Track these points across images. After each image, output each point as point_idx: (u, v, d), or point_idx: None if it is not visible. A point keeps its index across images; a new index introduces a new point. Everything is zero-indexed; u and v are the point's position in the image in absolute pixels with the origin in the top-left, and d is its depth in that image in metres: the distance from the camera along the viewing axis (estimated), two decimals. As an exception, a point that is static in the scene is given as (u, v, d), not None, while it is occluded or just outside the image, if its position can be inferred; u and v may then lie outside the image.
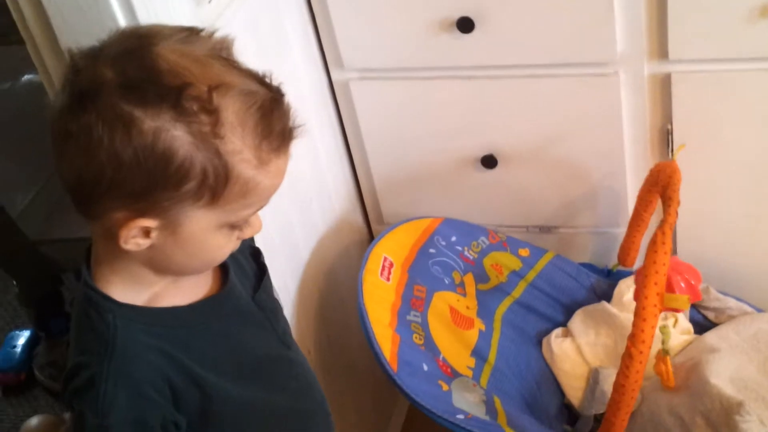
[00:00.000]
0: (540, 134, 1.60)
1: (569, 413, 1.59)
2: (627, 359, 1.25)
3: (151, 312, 0.93)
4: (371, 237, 1.83)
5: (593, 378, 1.53)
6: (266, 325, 1.06)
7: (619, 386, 1.26)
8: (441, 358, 1.47)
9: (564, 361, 1.58)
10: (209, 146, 0.81)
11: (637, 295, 1.26)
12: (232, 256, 0.98)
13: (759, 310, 1.61)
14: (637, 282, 1.38)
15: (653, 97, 1.51)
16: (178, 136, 0.80)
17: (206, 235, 0.88)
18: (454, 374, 1.46)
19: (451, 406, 1.38)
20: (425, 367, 1.42)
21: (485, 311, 1.60)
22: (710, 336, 1.54)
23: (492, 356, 1.54)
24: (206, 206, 0.84)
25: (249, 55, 1.05)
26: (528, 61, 1.52)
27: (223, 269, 1.00)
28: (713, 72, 1.46)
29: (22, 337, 2.35)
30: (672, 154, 1.49)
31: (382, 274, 1.50)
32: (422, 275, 1.56)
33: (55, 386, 2.26)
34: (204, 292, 0.99)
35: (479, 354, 1.54)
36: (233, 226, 0.89)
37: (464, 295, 1.60)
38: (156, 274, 0.92)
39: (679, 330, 1.57)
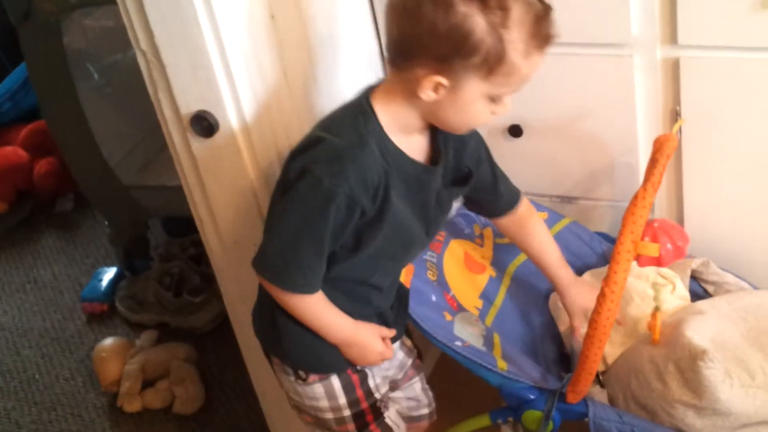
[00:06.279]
0: (562, 108, 1.74)
1: (570, 363, 1.72)
2: (600, 298, 1.37)
3: (393, 144, 1.28)
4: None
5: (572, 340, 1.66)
6: (436, 214, 1.40)
7: (592, 322, 1.39)
8: (450, 294, 1.63)
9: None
10: (496, 34, 1.14)
11: (616, 242, 1.40)
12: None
13: (755, 288, 1.70)
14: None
15: (665, 79, 1.63)
16: (478, 22, 1.14)
17: (474, 101, 1.22)
18: (459, 309, 1.62)
19: (451, 334, 1.54)
20: (433, 298, 1.58)
21: (499, 262, 1.75)
22: (702, 303, 1.64)
23: (499, 300, 1.70)
24: (482, 78, 1.18)
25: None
26: (553, 39, 1.67)
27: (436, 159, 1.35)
28: (719, 59, 1.56)
29: (109, 273, 2.64)
30: (673, 129, 1.61)
31: (405, 218, 1.67)
32: (443, 223, 1.71)
33: (132, 317, 2.52)
34: (422, 160, 1.34)
35: (487, 297, 1.69)
36: (492, 99, 1.22)
37: (482, 246, 1.75)
38: (423, 122, 1.28)
39: (676, 296, 1.68)
